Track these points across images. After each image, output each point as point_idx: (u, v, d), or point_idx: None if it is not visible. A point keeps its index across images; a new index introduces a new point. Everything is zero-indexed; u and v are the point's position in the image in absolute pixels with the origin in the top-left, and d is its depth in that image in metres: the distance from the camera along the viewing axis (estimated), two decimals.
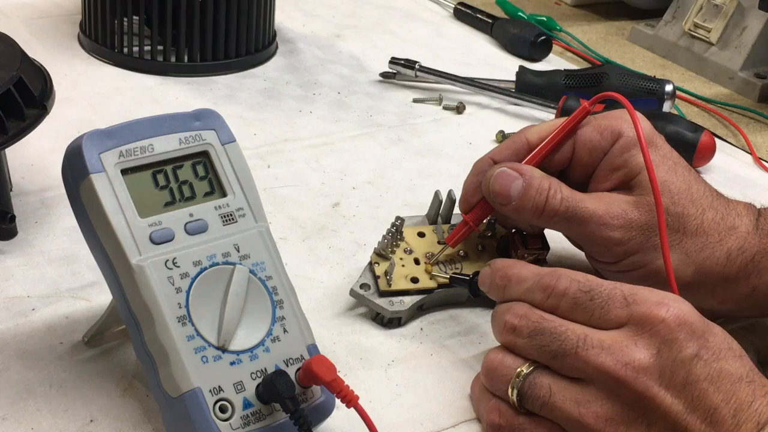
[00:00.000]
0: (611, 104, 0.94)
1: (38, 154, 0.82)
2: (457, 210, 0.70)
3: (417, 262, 0.68)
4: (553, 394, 0.52)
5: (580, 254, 0.70)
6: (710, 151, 0.91)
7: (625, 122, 0.64)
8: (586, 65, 1.21)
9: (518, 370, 0.54)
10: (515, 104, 1.02)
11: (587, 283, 0.54)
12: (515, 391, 0.54)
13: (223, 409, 0.52)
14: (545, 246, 0.69)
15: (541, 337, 0.53)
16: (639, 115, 0.65)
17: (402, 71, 1.04)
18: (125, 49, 1.01)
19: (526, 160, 0.65)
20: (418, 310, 0.68)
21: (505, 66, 1.12)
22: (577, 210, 0.62)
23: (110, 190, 0.53)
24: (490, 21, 1.21)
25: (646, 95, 0.98)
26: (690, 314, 0.51)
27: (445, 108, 1.00)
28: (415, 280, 0.67)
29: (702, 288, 0.63)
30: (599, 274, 0.66)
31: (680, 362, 0.50)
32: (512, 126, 0.95)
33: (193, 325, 0.52)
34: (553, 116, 0.96)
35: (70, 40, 1.06)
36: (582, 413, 0.51)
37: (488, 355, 0.56)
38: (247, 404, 0.52)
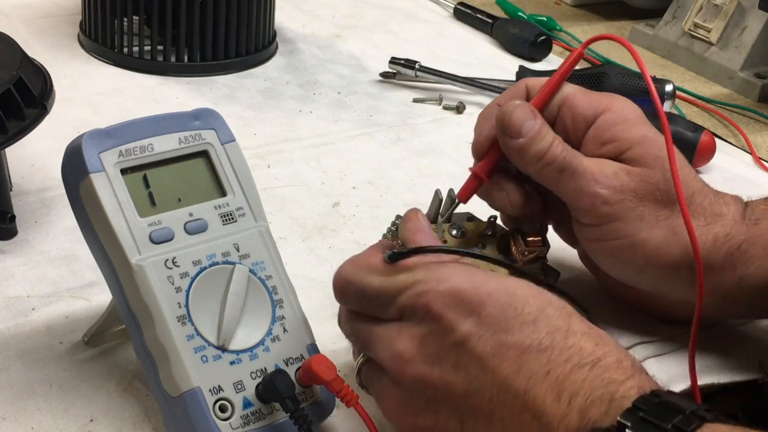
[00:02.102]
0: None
1: (38, 154, 0.82)
2: (457, 209, 0.70)
3: None
4: (370, 386, 0.54)
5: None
6: (710, 151, 0.91)
7: (617, 101, 0.64)
8: (586, 65, 1.20)
9: (359, 358, 0.56)
10: None
11: (360, 285, 0.54)
12: (358, 377, 0.56)
13: (222, 409, 0.52)
14: (546, 244, 0.69)
15: (349, 338, 0.56)
16: (627, 101, 0.65)
17: (402, 71, 1.04)
18: (125, 49, 1.01)
19: (532, 101, 0.65)
20: None
21: (505, 66, 1.12)
22: (573, 161, 0.62)
23: (110, 189, 0.53)
24: (490, 21, 1.21)
25: (646, 95, 0.98)
26: (462, 290, 0.50)
27: (445, 108, 1.00)
28: None
29: (687, 272, 0.61)
30: (582, 246, 0.66)
31: (450, 345, 0.49)
32: None
33: (192, 324, 0.52)
34: None
35: (70, 40, 1.06)
36: (380, 405, 0.53)
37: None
38: (247, 404, 0.52)
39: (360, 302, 0.54)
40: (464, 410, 0.49)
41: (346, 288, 0.55)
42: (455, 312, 0.50)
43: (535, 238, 0.69)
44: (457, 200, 0.68)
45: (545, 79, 0.67)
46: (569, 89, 0.65)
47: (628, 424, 0.44)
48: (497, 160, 0.66)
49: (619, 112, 0.64)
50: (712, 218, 0.63)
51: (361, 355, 0.56)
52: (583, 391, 0.47)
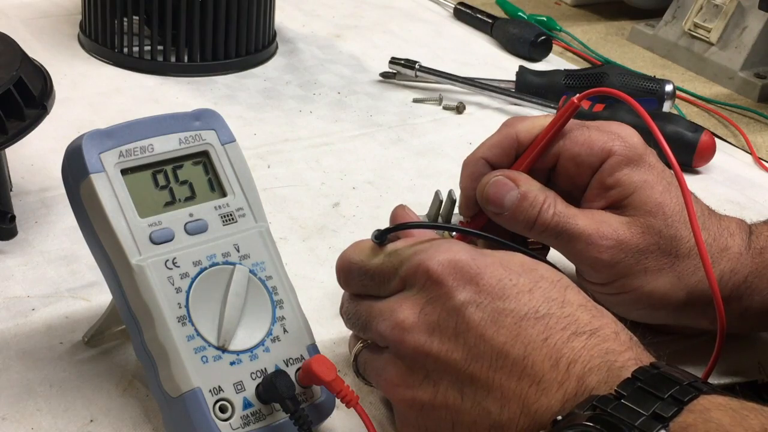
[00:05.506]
0: (612, 102, 0.94)
1: (38, 154, 0.82)
2: (457, 210, 0.70)
3: None
4: (368, 368, 0.55)
5: None
6: (710, 151, 0.91)
7: (618, 138, 0.62)
8: (586, 65, 1.20)
9: (356, 346, 0.57)
10: (515, 104, 1.02)
11: (363, 264, 0.55)
12: (354, 365, 0.57)
13: (223, 409, 0.52)
14: (545, 245, 0.69)
15: (349, 321, 0.56)
16: (631, 130, 0.62)
17: (402, 71, 1.04)
18: (125, 49, 1.01)
19: (516, 165, 0.63)
20: None
21: (505, 66, 1.12)
22: (568, 226, 0.61)
23: (110, 190, 0.53)
24: (490, 21, 1.21)
25: (646, 95, 0.98)
26: (460, 260, 0.51)
27: (445, 108, 1.00)
28: None
29: (694, 309, 0.62)
30: (592, 296, 0.64)
31: (448, 311, 0.50)
32: None
33: (193, 325, 0.52)
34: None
35: (70, 40, 1.06)
36: (379, 382, 0.53)
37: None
38: (247, 404, 0.52)
39: (363, 281, 0.55)
40: (463, 380, 0.49)
41: (349, 268, 0.56)
42: (454, 279, 0.50)
43: (535, 240, 0.69)
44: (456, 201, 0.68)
45: (536, 120, 0.64)
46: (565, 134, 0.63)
47: (625, 393, 0.45)
48: (487, 219, 0.64)
49: (623, 155, 0.61)
50: (718, 254, 0.62)
51: (359, 342, 0.56)
52: (581, 359, 0.48)
